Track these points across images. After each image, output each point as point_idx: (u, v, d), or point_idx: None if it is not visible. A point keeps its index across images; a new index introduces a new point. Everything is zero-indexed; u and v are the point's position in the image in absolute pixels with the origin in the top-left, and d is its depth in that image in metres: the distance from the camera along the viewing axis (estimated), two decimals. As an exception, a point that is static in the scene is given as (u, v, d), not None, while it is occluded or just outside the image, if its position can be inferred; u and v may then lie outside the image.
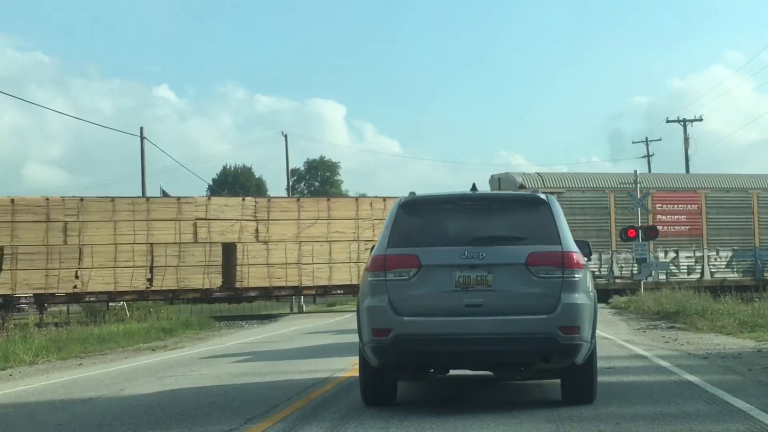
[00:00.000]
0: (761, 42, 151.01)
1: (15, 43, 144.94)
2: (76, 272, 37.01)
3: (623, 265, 39.63)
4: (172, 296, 39.56)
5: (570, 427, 8.31)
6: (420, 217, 9.85)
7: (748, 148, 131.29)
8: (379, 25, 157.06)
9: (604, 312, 30.49)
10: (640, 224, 37.76)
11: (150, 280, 38.16)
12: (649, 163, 68.98)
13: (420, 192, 10.24)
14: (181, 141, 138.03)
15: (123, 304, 39.88)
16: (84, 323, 30.71)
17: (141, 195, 46.16)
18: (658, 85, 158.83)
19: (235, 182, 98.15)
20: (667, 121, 65.08)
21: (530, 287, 9.13)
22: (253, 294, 40.94)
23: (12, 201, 36.91)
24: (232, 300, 42.23)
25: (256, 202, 40.75)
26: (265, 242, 39.56)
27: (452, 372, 10.51)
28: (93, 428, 9.44)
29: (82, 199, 38.24)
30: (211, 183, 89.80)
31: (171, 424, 9.42)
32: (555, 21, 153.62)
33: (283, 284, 40.13)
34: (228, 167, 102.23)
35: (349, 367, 13.90)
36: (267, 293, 41.21)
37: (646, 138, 69.89)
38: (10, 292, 36.16)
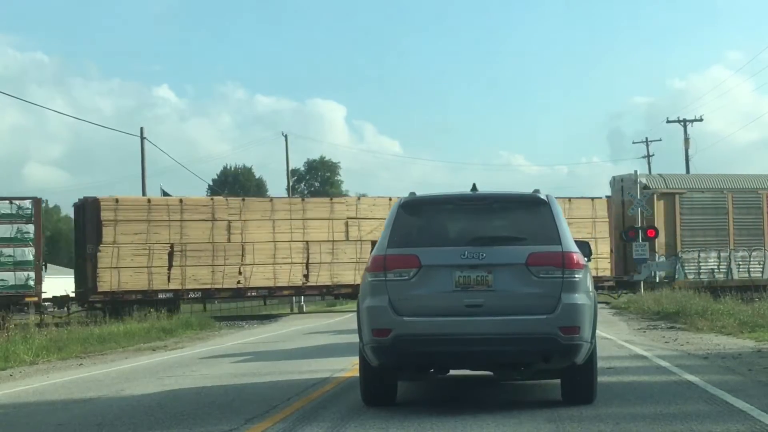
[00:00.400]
0: (762, 42, 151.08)
1: (15, 43, 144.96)
2: (239, 268, 38.61)
3: (740, 263, 40.70)
4: (326, 291, 41.28)
5: (570, 427, 8.31)
6: (420, 218, 9.85)
7: (748, 149, 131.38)
8: (380, 25, 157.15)
9: (604, 312, 30.50)
10: (640, 224, 37.87)
11: (306, 276, 39.69)
12: (649, 164, 69.00)
13: (420, 192, 10.24)
14: (181, 141, 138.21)
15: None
16: (84, 323, 30.72)
17: (141, 195, 46.15)
18: (659, 85, 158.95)
19: (235, 182, 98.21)
20: (668, 122, 65.05)
21: (530, 287, 9.14)
22: None
23: (180, 201, 38.73)
24: None
25: None
26: None
27: (452, 372, 10.50)
28: (93, 428, 9.44)
29: (243, 199, 40.64)
30: (211, 183, 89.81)
31: (171, 424, 9.42)
32: (555, 21, 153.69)
33: None
34: (228, 167, 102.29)
35: (349, 367, 13.90)
36: None
37: (647, 138, 69.97)
38: (179, 287, 37.74)
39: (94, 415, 10.43)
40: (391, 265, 9.32)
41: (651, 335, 20.58)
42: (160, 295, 36.93)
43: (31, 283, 34.55)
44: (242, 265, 38.45)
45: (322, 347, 19.67)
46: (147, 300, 36.07)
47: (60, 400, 12.14)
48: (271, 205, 39.79)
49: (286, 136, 63.55)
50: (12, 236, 34.48)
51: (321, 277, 39.71)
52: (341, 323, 31.11)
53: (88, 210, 37.15)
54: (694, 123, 64.06)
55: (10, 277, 34.35)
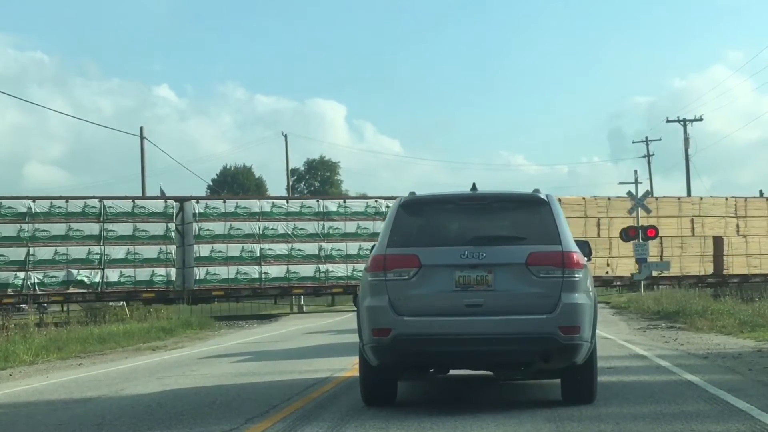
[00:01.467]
0: (762, 41, 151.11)
1: (15, 43, 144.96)
2: (607, 261, 43.36)
3: None
4: (677, 282, 43.71)
5: (570, 427, 8.31)
6: (420, 217, 9.84)
7: (748, 148, 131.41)
8: (380, 25, 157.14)
9: (604, 312, 30.51)
10: (639, 224, 37.87)
11: None
12: (649, 163, 69.08)
13: (420, 192, 10.23)
14: (181, 141, 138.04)
15: (123, 304, 39.91)
16: (84, 323, 30.73)
17: (141, 195, 46.11)
18: (659, 85, 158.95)
19: (234, 182, 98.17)
20: (667, 121, 65.08)
21: (530, 287, 9.13)
22: (734, 281, 45.41)
23: (559, 200, 41.38)
24: (719, 284, 45.73)
25: (736, 202, 46.85)
26: (744, 236, 45.81)
27: (452, 372, 10.50)
28: (93, 428, 9.43)
29: (609, 199, 44.75)
30: (210, 183, 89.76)
31: (171, 424, 9.41)
32: (555, 21, 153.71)
33: (758, 272, 45.89)
34: (228, 167, 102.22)
35: (349, 367, 13.90)
36: (745, 280, 46.01)
37: (646, 138, 69.94)
38: None
39: (94, 414, 10.42)
40: (391, 264, 9.31)
41: (651, 335, 20.58)
42: None
43: None
44: (609, 257, 43.27)
45: (321, 347, 19.67)
46: None
47: (60, 400, 12.14)
48: (623, 204, 43.29)
49: (285, 136, 63.64)
50: (376, 231, 38.08)
51: (672, 270, 43.10)
52: (341, 323, 31.10)
53: None
54: (694, 122, 64.17)
55: None
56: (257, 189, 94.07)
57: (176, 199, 39.58)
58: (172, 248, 38.58)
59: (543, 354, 9.10)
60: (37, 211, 36.86)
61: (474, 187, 10.27)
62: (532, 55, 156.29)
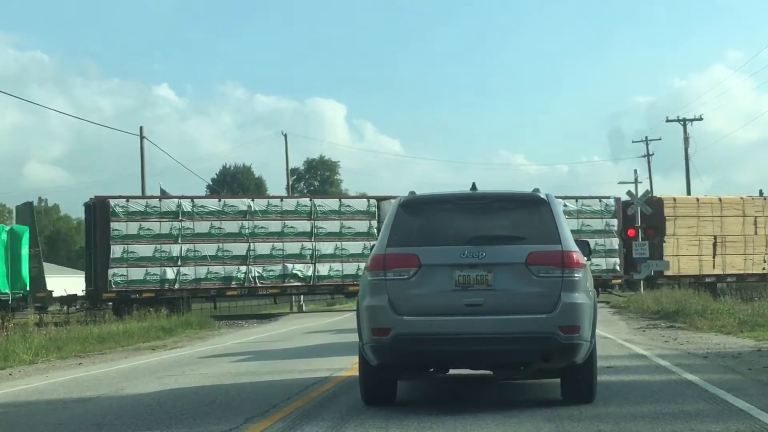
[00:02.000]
0: (762, 41, 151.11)
1: (15, 43, 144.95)
2: (764, 257, 45.09)
3: None
4: None
5: (570, 427, 8.30)
6: (420, 217, 9.84)
7: (748, 148, 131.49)
8: (380, 25, 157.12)
9: (604, 311, 30.50)
10: (639, 224, 37.93)
11: None
12: (649, 163, 69.04)
13: (420, 192, 10.23)
14: (181, 140, 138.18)
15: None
16: (83, 323, 30.72)
17: (141, 194, 46.09)
18: (659, 85, 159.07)
19: (234, 182, 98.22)
20: (667, 121, 65.02)
21: (530, 287, 9.12)
22: None
23: (720, 200, 45.37)
24: None
25: None
26: None
27: (452, 371, 10.49)
28: (93, 428, 9.43)
29: (765, 198, 46.86)
30: (210, 183, 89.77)
31: (171, 423, 9.41)
32: (555, 22, 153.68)
33: None
34: (228, 167, 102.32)
35: (348, 366, 13.89)
36: None
37: (646, 137, 69.89)
38: (720, 273, 43.88)
39: (94, 414, 10.42)
40: (391, 264, 9.31)
41: (650, 334, 20.58)
42: (707, 279, 42.77)
43: (617, 268, 41.75)
44: (766, 254, 44.94)
45: (321, 346, 19.67)
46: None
47: (59, 399, 12.14)
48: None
49: (285, 136, 63.58)
50: (601, 229, 41.71)
51: None
52: (340, 322, 31.11)
53: (656, 207, 43.00)
54: (694, 122, 64.10)
55: (601, 263, 40.67)
56: (257, 189, 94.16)
57: (377, 198, 42.66)
58: (376, 244, 40.25)
59: (543, 353, 9.10)
60: (256, 209, 39.60)
61: (474, 187, 10.27)
62: (532, 54, 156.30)
